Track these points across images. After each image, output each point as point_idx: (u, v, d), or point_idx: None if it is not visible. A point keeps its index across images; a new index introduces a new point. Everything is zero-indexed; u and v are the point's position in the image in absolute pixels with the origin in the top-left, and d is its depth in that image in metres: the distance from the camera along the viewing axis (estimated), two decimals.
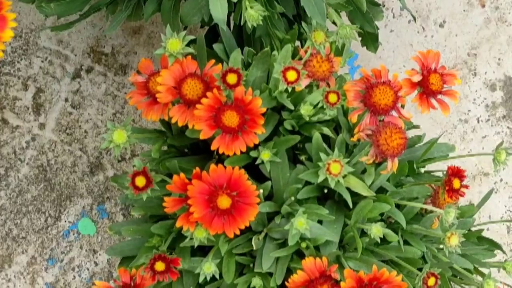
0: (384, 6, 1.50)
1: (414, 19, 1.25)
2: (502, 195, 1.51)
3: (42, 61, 1.34)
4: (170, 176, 1.07)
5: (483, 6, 1.54)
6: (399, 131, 0.93)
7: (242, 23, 1.03)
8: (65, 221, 1.36)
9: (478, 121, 1.52)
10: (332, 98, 0.97)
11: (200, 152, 1.10)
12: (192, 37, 0.98)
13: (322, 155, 0.94)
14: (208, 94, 0.95)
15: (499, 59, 1.53)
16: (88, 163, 1.36)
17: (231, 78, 0.95)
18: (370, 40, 1.24)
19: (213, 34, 1.20)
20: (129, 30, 1.21)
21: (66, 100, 1.36)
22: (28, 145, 1.35)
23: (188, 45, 0.97)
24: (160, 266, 0.98)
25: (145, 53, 1.39)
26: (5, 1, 0.70)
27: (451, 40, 1.52)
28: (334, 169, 0.93)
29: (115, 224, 1.14)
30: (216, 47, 1.10)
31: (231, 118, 0.94)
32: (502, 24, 1.53)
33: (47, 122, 1.35)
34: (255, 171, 1.06)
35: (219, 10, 1.01)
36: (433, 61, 1.02)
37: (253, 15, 1.00)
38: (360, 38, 1.26)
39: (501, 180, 1.51)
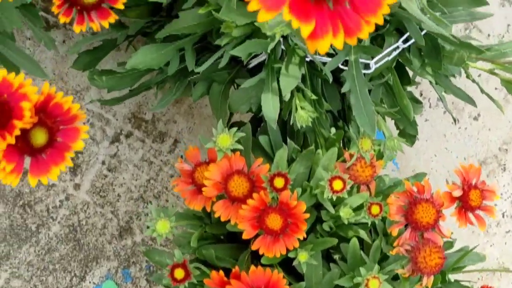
0: (421, 95, 1.52)
1: (455, 120, 1.27)
2: None
3: (84, 123, 1.36)
4: (206, 262, 1.09)
5: None
6: (438, 250, 0.95)
7: (291, 122, 1.05)
8: (90, 282, 1.37)
9: (503, 216, 1.54)
10: (375, 210, 0.99)
11: (236, 241, 1.11)
12: (242, 134, 1.00)
13: (362, 270, 0.96)
14: (255, 195, 0.97)
15: None
16: (118, 227, 1.38)
17: (279, 182, 0.97)
18: (409, 136, 1.26)
19: (258, 119, 1.22)
20: (173, 100, 1.23)
21: (103, 163, 1.38)
22: (62, 204, 1.36)
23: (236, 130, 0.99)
24: None
25: (184, 123, 1.41)
26: (81, 114, 0.72)
27: (483, 134, 1.54)
28: (373, 286, 0.94)
29: None
30: (262, 139, 1.12)
31: (274, 221, 0.96)
32: None
33: (82, 183, 1.37)
34: (287, 264, 1.07)
35: (271, 109, 1.03)
36: (474, 176, 1.04)
37: (303, 116, 1.03)
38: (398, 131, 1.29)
39: None
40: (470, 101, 1.12)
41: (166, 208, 1.01)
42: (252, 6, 0.59)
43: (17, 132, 0.66)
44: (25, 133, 0.68)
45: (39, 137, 0.70)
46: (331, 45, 0.99)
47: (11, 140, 0.66)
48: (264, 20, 0.58)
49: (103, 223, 1.38)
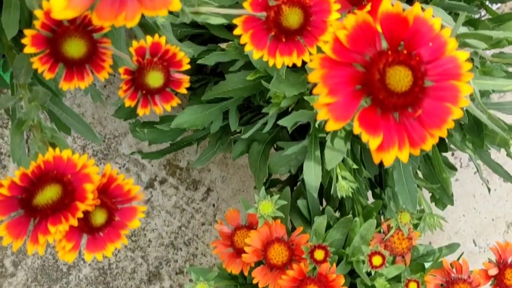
0: (453, 155, 1.53)
1: (489, 190, 1.28)
2: None
3: (120, 167, 1.38)
4: None
5: None
6: None
7: (331, 191, 1.06)
8: None
9: None
10: (413, 286, 1.00)
11: None
12: (284, 202, 1.02)
13: None
14: (295, 266, 0.98)
15: None
16: (147, 272, 1.39)
17: (319, 254, 0.98)
18: (442, 203, 1.27)
19: (294, 180, 1.23)
20: (211, 159, 1.25)
21: None
22: None
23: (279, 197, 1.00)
24: None
25: (218, 172, 1.43)
26: (139, 195, 0.73)
27: None
28: None
29: None
30: (300, 203, 1.13)
31: None
32: None
33: None
34: None
35: (312, 177, 1.04)
36: (510, 255, 1.05)
37: (344, 186, 1.04)
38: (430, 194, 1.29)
39: None
40: (508, 177, 1.13)
41: (205, 271, 1.02)
42: (321, 115, 0.60)
43: (79, 214, 0.68)
44: (86, 213, 0.70)
45: (99, 218, 0.71)
46: None
47: (73, 222, 0.67)
48: (332, 130, 0.60)
49: (133, 267, 1.39)
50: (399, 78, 0.60)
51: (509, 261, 1.04)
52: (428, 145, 0.62)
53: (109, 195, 0.72)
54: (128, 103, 0.71)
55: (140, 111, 0.73)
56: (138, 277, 1.39)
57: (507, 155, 1.10)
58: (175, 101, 0.74)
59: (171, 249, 1.41)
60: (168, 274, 1.40)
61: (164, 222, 1.40)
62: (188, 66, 0.74)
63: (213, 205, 1.42)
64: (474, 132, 1.05)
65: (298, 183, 1.23)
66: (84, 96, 1.38)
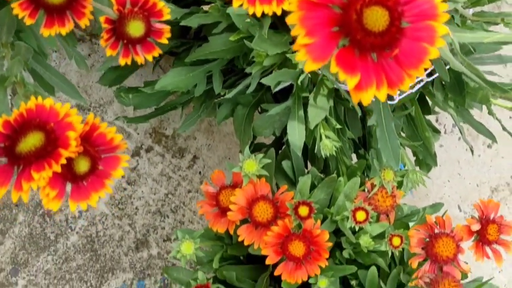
0: (437, 121, 1.54)
1: (472, 151, 1.29)
2: None
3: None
4: (225, 282, 1.11)
5: None
6: (457, 284, 0.97)
7: (315, 150, 1.07)
8: None
9: None
10: (396, 241, 1.01)
11: (256, 261, 1.13)
12: (267, 160, 1.02)
13: None
14: (279, 222, 0.99)
15: None
16: (135, 239, 1.40)
17: (303, 211, 0.99)
18: (425, 165, 1.28)
19: (279, 142, 1.24)
20: (196, 123, 1.25)
21: (123, 176, 1.40)
22: (81, 215, 1.39)
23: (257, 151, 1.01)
24: None
25: (204, 139, 1.43)
26: (123, 144, 0.74)
27: (497, 161, 1.56)
28: None
29: None
30: (285, 164, 1.14)
31: (297, 248, 0.98)
32: None
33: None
34: (305, 287, 1.09)
35: (296, 137, 1.05)
36: (492, 211, 1.06)
37: (327, 145, 1.05)
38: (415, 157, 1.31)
39: None
40: (491, 136, 1.14)
41: (191, 231, 1.03)
42: (299, 57, 0.61)
43: (63, 160, 0.68)
44: (69, 161, 0.70)
45: (82, 165, 0.72)
46: None
47: (57, 168, 0.68)
48: (311, 70, 0.60)
49: (120, 235, 1.40)
50: (376, 18, 0.61)
51: (491, 217, 1.05)
52: (406, 85, 0.63)
53: (92, 144, 0.72)
54: (109, 52, 0.72)
55: (122, 61, 0.73)
56: (125, 245, 1.40)
57: (488, 113, 1.11)
58: (157, 51, 0.75)
59: (158, 216, 1.41)
60: (156, 241, 1.41)
61: (150, 190, 1.41)
62: (169, 16, 0.74)
63: (200, 172, 1.43)
64: (456, 90, 1.07)
65: (284, 147, 1.24)
66: (68, 64, 1.38)
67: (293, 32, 0.61)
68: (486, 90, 1.00)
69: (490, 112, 1.07)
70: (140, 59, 0.74)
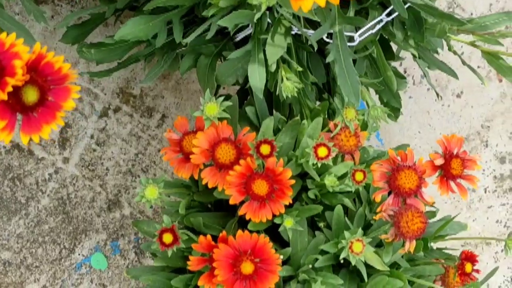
0: (405, 72, 1.54)
1: (438, 96, 1.29)
2: (501, 265, 1.56)
3: (72, 98, 1.38)
4: (193, 230, 1.11)
5: (500, 81, 1.58)
6: (420, 215, 0.97)
7: (277, 93, 1.07)
8: (79, 254, 1.39)
9: (485, 192, 1.57)
10: (359, 176, 1.01)
11: (223, 209, 1.13)
12: (228, 103, 1.02)
13: (346, 234, 0.98)
14: (241, 162, 0.99)
15: (511, 133, 1.58)
16: (107, 200, 1.40)
17: (265, 149, 0.99)
18: (393, 111, 1.29)
19: (244, 92, 1.24)
20: (161, 73, 1.25)
21: (92, 137, 1.40)
22: (51, 178, 1.38)
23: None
24: None
25: (172, 98, 1.43)
26: (72, 74, 0.74)
27: (466, 111, 1.57)
28: (357, 248, 0.97)
29: (133, 269, 1.17)
30: (248, 110, 1.14)
31: (260, 187, 0.98)
32: None
33: (71, 157, 1.39)
34: (273, 231, 1.09)
35: (257, 79, 1.05)
36: (456, 146, 1.06)
37: (289, 86, 1.05)
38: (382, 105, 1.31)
39: (502, 250, 1.56)
40: (453, 73, 1.14)
41: (155, 178, 1.03)
42: None
43: (9, 88, 0.68)
44: (17, 90, 0.70)
45: (31, 95, 0.71)
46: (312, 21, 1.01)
47: (3, 96, 0.68)
48: None
49: (92, 196, 1.40)
50: None
51: (454, 152, 1.06)
52: None
53: (40, 74, 0.72)
54: None
55: None
56: (97, 206, 1.40)
57: (448, 49, 1.12)
58: None
59: (129, 176, 1.41)
60: (128, 201, 1.41)
61: (120, 150, 1.41)
62: None
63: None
64: (415, 27, 1.07)
65: (249, 96, 1.24)
66: (31, 27, 1.38)
67: None
68: (443, 24, 1.00)
69: (450, 48, 1.07)
70: None
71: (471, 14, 1.58)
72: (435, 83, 1.55)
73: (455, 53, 1.09)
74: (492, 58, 1.03)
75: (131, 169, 1.41)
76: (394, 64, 1.44)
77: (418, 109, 1.56)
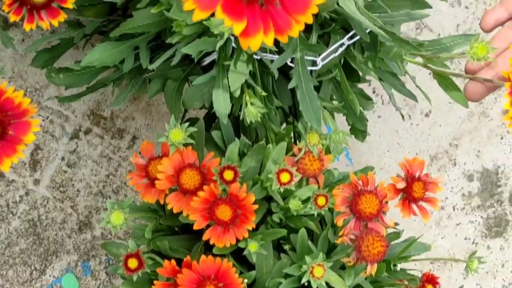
0: (374, 92, 1.57)
1: (403, 117, 1.32)
2: (470, 281, 1.58)
3: (43, 120, 1.39)
4: (160, 253, 1.13)
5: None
6: (381, 239, 0.99)
7: (241, 118, 1.09)
8: (50, 275, 1.40)
9: (454, 209, 1.59)
10: (321, 201, 1.03)
11: (190, 232, 1.15)
12: (194, 129, 1.04)
13: (307, 258, 1.00)
14: (205, 188, 1.00)
15: (478, 151, 1.60)
16: (78, 221, 1.41)
17: (228, 175, 1.01)
18: (360, 132, 1.31)
19: (212, 116, 1.26)
20: (130, 97, 1.27)
21: (63, 158, 1.41)
22: (22, 200, 1.39)
23: (190, 126, 1.03)
24: None
25: (143, 120, 1.44)
26: (32, 108, 0.75)
27: (435, 130, 1.59)
28: (317, 273, 0.99)
29: None
30: (215, 134, 1.16)
31: (224, 212, 1.00)
32: (484, 118, 1.60)
33: (42, 179, 1.40)
34: (240, 254, 1.11)
35: (221, 104, 1.07)
36: (417, 169, 1.08)
37: (252, 111, 1.06)
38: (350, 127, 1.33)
39: None
40: (412, 96, 1.17)
41: (121, 202, 1.04)
42: (187, 6, 0.62)
43: None
44: None
45: None
46: (279, 43, 1.03)
47: None
48: (199, 19, 0.62)
49: (62, 217, 1.41)
50: None
51: (416, 175, 1.08)
52: (295, 31, 0.65)
53: (0, 109, 0.73)
54: (13, 18, 0.73)
55: (26, 26, 0.74)
56: (68, 227, 1.41)
57: (403, 73, 1.14)
58: (62, 16, 0.76)
59: (100, 197, 1.42)
60: (99, 222, 1.42)
61: (91, 172, 1.42)
62: None
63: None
64: (372, 50, 1.08)
65: (216, 120, 1.26)
66: (2, 50, 1.39)
67: None
68: (398, 48, 1.02)
69: (401, 69, 1.10)
70: (45, 24, 0.75)
71: (439, 34, 1.61)
72: (404, 102, 1.58)
73: (406, 73, 1.12)
74: (441, 78, 1.05)
75: (102, 190, 1.42)
76: (363, 85, 1.47)
77: (387, 129, 1.58)
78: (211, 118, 1.26)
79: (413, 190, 1.06)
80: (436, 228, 1.58)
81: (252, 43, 0.63)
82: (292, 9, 0.64)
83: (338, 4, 0.86)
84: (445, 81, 1.02)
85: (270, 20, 0.64)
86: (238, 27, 0.62)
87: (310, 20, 0.65)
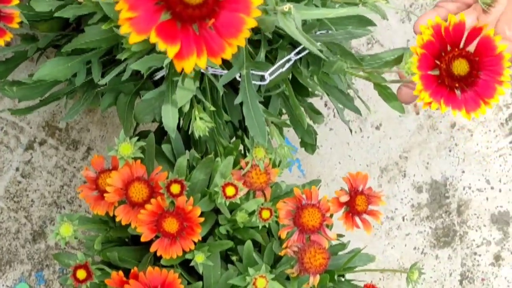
0: (326, 105, 1.60)
1: (351, 131, 1.35)
2: None
3: None
4: (111, 264, 1.15)
5: (417, 113, 1.65)
6: (323, 251, 1.02)
7: (190, 132, 1.12)
8: (3, 285, 1.41)
9: (403, 220, 1.63)
10: (265, 214, 1.06)
11: (140, 243, 1.17)
12: (143, 143, 1.06)
13: (251, 270, 1.03)
14: (152, 201, 1.03)
15: (427, 163, 1.64)
16: (32, 231, 1.42)
17: (175, 188, 1.03)
18: (309, 145, 1.34)
19: (163, 129, 1.28)
20: (83, 110, 1.29)
21: (17, 169, 1.42)
22: None
23: (139, 139, 1.06)
24: None
25: (97, 131, 1.46)
26: None
27: (385, 142, 1.63)
28: (260, 284, 1.02)
29: None
30: (165, 148, 1.18)
31: (171, 225, 1.03)
32: (433, 131, 1.65)
33: None
34: (188, 265, 1.13)
35: (170, 119, 1.09)
36: (361, 183, 1.12)
37: (200, 126, 1.09)
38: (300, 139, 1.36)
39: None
40: (357, 111, 1.20)
41: (71, 214, 1.07)
42: (123, 30, 0.65)
43: None
44: None
45: None
46: (226, 61, 1.06)
47: None
48: (135, 42, 0.65)
49: (16, 227, 1.42)
50: None
51: (360, 189, 1.11)
52: (228, 54, 0.68)
53: None
54: None
55: None
56: (22, 237, 1.42)
57: (348, 86, 1.17)
58: (8, 36, 0.78)
59: (55, 207, 1.44)
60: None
61: (46, 182, 1.44)
62: (18, 1, 0.78)
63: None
64: (316, 63, 1.12)
65: (167, 134, 1.28)
66: None
67: (116, 7, 0.66)
68: (341, 62, 1.05)
69: (345, 84, 1.13)
70: None
71: (390, 49, 1.65)
72: (355, 115, 1.62)
73: (350, 87, 1.16)
74: (381, 89, 1.09)
75: (56, 200, 1.44)
76: (315, 99, 1.50)
77: (339, 141, 1.61)
78: (162, 132, 1.28)
79: (356, 203, 1.10)
80: (386, 238, 1.62)
81: (186, 65, 0.66)
82: (225, 33, 0.67)
83: (277, 26, 0.89)
84: (385, 91, 1.06)
85: (204, 43, 0.67)
86: (171, 51, 0.65)
87: (242, 43, 0.68)
